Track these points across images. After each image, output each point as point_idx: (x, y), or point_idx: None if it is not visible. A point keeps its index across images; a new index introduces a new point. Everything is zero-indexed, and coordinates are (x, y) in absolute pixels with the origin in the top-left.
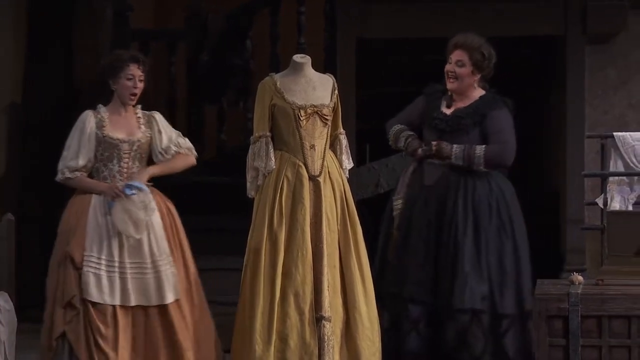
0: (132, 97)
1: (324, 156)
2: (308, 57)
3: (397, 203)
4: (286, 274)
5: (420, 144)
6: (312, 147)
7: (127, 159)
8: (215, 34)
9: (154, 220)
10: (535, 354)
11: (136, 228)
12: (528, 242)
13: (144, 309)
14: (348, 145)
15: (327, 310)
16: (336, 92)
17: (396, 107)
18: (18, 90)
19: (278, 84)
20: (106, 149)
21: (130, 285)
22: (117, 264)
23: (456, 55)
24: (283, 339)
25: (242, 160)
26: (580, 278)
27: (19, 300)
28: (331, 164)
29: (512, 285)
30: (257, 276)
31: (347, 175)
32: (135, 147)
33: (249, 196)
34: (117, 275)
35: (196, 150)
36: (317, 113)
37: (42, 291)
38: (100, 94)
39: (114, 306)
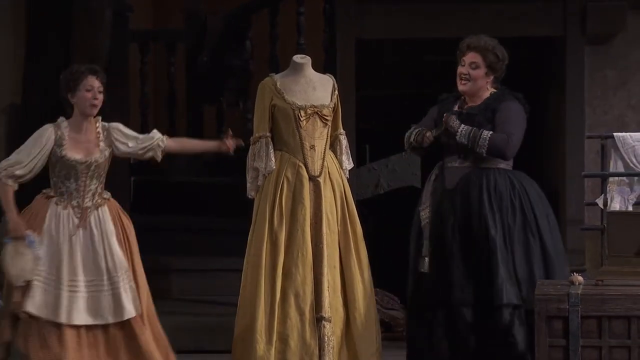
0: (93, 108)
1: (324, 156)
2: (308, 58)
3: (424, 213)
4: (286, 275)
5: (429, 129)
6: (312, 147)
7: (84, 178)
8: (214, 34)
9: (109, 235)
10: (535, 355)
11: (19, 275)
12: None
13: (104, 327)
14: (348, 145)
15: (327, 311)
16: (336, 92)
17: (396, 107)
18: (18, 90)
19: (278, 84)
20: (63, 167)
21: (80, 303)
22: (65, 282)
23: (470, 57)
24: (283, 340)
25: (242, 161)
26: (580, 278)
27: None
28: (331, 165)
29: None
30: (258, 276)
31: (347, 176)
32: (92, 168)
33: (249, 197)
34: (64, 293)
35: None
36: (317, 113)
37: None
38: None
39: (59, 325)
